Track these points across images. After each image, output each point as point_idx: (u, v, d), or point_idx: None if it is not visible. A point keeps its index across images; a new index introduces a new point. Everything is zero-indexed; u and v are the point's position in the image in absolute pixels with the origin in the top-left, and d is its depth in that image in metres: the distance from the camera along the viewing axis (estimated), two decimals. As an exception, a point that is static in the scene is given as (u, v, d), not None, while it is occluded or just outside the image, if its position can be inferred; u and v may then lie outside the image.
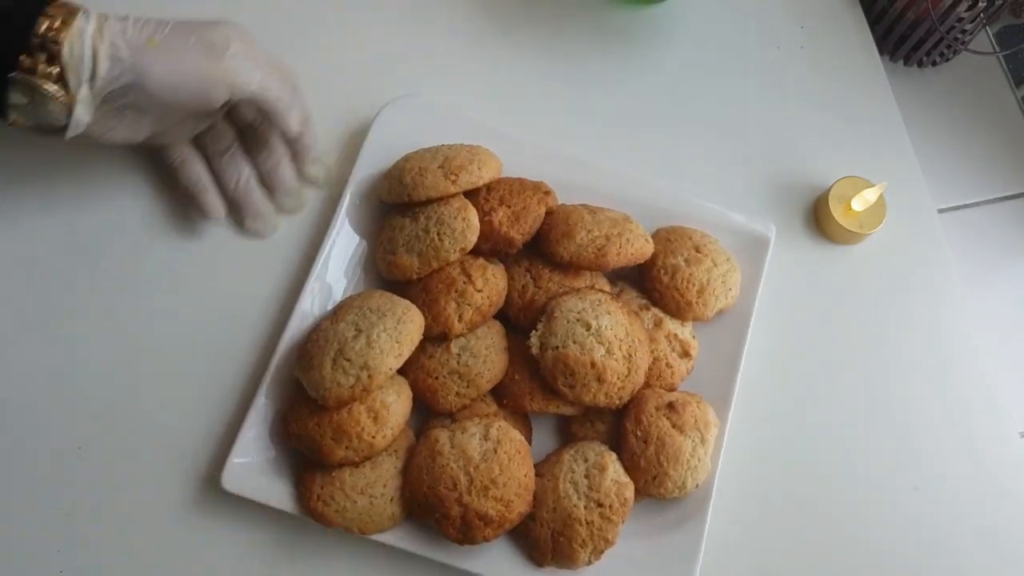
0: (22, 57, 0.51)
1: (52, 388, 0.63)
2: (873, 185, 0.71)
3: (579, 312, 0.61)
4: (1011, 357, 0.78)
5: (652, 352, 0.63)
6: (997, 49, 0.87)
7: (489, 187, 0.65)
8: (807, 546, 0.65)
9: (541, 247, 0.65)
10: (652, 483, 0.60)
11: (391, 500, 0.59)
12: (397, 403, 0.59)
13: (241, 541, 0.61)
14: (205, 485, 0.62)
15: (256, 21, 0.60)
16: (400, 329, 0.58)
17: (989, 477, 0.68)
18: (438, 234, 0.62)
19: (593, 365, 0.59)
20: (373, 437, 0.57)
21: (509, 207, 0.64)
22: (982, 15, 0.77)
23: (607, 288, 0.65)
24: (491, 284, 0.62)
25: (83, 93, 0.53)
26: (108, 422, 0.63)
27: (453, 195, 0.62)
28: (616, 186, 0.68)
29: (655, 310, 0.65)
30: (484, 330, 0.63)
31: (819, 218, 0.73)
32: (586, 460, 0.60)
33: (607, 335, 0.60)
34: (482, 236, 0.63)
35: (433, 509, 0.57)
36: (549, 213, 0.65)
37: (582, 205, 0.66)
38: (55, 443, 0.62)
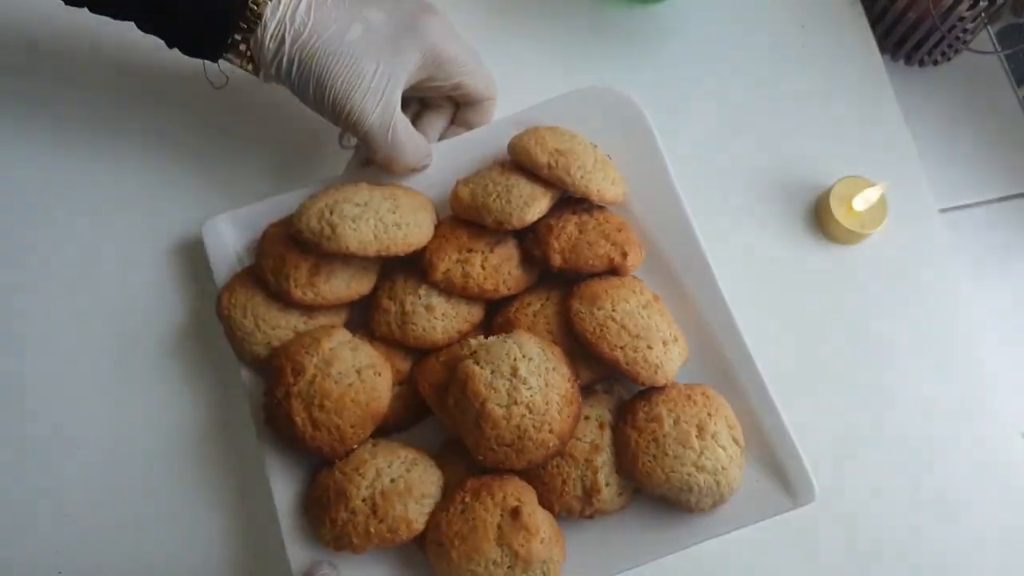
0: (233, 36, 0.56)
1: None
2: (874, 185, 0.69)
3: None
4: (1012, 357, 0.76)
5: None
6: (998, 48, 0.86)
7: (601, 208, 0.61)
8: (805, 547, 0.64)
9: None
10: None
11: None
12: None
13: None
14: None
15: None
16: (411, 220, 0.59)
17: (990, 477, 0.67)
18: (498, 195, 0.59)
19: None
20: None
21: (581, 234, 0.59)
22: (983, 14, 0.75)
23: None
24: (494, 273, 0.59)
25: (270, 74, 0.58)
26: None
27: (543, 178, 0.59)
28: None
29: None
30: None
31: (820, 218, 0.72)
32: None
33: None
34: (536, 235, 0.59)
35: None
36: (607, 274, 0.59)
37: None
38: (54, 443, 0.64)
